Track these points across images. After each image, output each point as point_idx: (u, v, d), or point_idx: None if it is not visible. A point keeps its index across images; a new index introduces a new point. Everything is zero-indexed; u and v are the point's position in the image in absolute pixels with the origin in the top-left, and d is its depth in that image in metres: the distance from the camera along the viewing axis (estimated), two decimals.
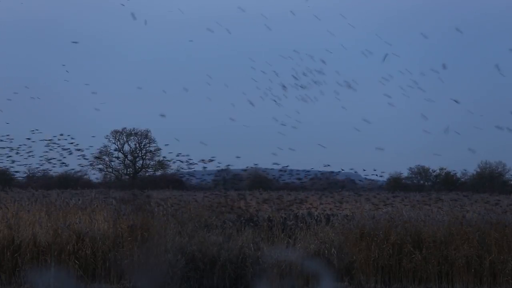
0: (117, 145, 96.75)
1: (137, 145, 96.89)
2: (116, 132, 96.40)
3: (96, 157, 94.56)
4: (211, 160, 51.58)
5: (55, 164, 51.20)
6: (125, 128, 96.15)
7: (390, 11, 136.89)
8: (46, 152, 49.97)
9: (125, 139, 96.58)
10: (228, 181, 77.50)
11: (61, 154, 50.11)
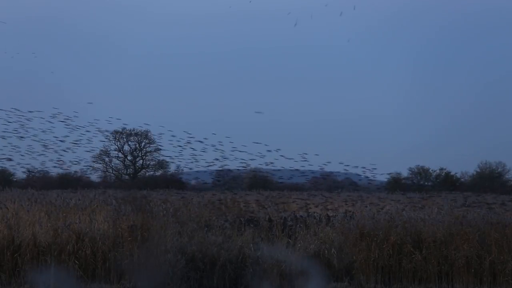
0: (117, 145, 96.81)
1: (137, 145, 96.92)
2: (116, 132, 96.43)
3: (96, 157, 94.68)
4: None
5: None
6: (125, 128, 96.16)
7: (388, 9, 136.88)
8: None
9: (125, 139, 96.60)
10: (228, 181, 77.60)
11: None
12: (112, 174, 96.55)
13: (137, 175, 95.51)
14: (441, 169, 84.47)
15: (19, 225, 35.25)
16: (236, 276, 34.85)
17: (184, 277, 34.23)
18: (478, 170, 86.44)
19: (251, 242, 36.05)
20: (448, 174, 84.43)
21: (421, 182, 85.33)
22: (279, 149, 51.38)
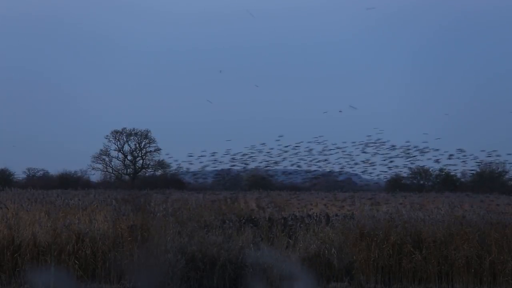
0: (117, 145, 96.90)
1: (137, 145, 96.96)
2: (116, 132, 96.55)
3: (96, 157, 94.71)
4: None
5: None
6: (125, 128, 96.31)
7: (387, 7, 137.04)
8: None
9: (125, 139, 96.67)
10: (228, 181, 77.63)
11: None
12: (112, 174, 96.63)
13: (137, 175, 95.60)
14: (441, 169, 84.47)
15: (19, 225, 35.24)
16: (236, 276, 34.83)
17: (184, 277, 34.22)
18: (478, 170, 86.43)
19: (251, 242, 36.05)
20: (448, 174, 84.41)
21: (421, 182, 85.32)
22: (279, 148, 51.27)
